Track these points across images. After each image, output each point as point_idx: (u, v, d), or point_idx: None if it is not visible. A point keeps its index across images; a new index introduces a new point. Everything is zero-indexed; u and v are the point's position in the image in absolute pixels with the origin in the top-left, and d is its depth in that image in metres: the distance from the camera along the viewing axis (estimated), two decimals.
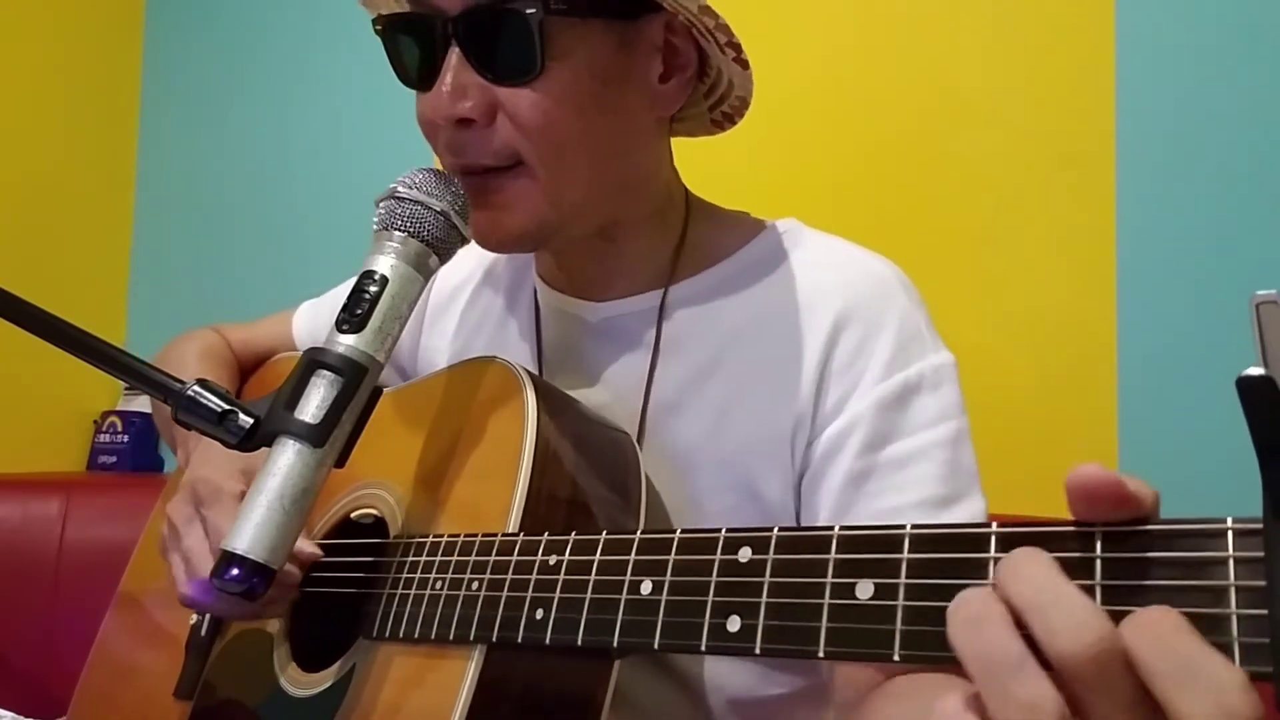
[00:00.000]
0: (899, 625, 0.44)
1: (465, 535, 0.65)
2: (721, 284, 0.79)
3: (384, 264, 0.66)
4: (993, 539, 0.42)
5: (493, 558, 0.62)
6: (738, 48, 0.74)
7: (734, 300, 0.79)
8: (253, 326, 1.06)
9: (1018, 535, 0.42)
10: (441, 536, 0.67)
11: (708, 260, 0.80)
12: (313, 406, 0.61)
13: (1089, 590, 0.39)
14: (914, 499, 0.69)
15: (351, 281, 1.00)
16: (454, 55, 0.69)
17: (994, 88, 1.47)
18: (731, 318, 0.78)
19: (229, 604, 0.72)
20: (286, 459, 0.60)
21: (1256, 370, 0.35)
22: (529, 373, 0.72)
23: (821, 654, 0.46)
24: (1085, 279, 1.39)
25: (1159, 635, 0.34)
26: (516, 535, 0.62)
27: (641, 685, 0.73)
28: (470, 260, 0.94)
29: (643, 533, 0.56)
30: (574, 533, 0.59)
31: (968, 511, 0.70)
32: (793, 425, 0.73)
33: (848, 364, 0.73)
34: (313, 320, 1.03)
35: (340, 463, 0.63)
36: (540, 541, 0.60)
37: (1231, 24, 1.34)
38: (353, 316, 0.64)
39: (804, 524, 0.73)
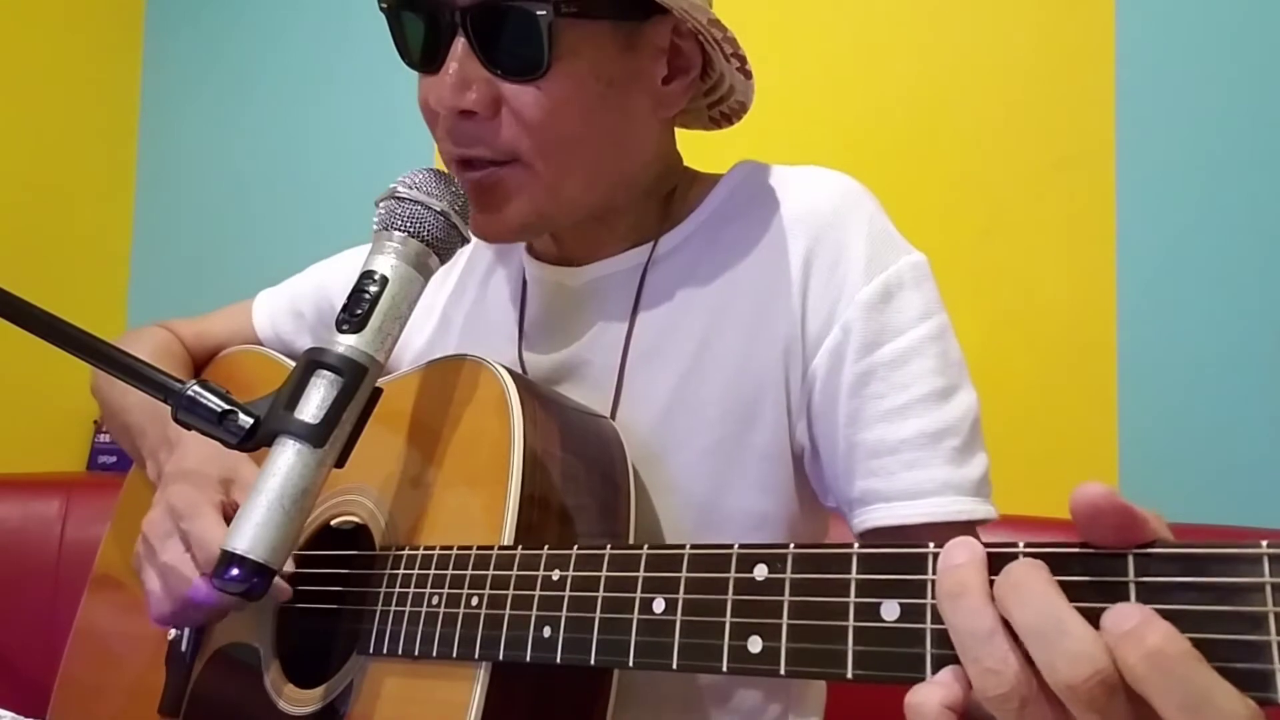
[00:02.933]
0: (929, 649, 0.43)
1: (459, 548, 0.63)
2: (696, 231, 0.80)
3: (384, 264, 0.66)
4: (1021, 559, 0.41)
5: (491, 572, 0.61)
6: (743, 59, 0.74)
7: (708, 241, 0.79)
8: (206, 320, 1.04)
9: (1047, 556, 0.41)
10: (434, 549, 0.65)
11: (684, 213, 0.81)
12: (313, 406, 0.61)
13: None
14: (918, 394, 0.71)
15: (309, 270, 1.01)
16: (460, 45, 0.69)
17: (994, 88, 1.47)
18: (707, 258, 0.79)
19: (206, 615, 0.72)
20: (287, 459, 0.60)
21: None
22: (507, 369, 0.71)
23: (850, 676, 0.45)
24: (1085, 279, 1.39)
25: (1167, 665, 0.35)
26: (515, 549, 0.61)
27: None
28: None
29: (650, 547, 0.54)
30: (575, 546, 0.58)
31: (965, 401, 0.72)
32: (783, 350, 0.74)
33: (828, 276, 0.74)
34: (273, 310, 1.01)
35: (340, 463, 0.63)
36: (541, 556, 0.59)
37: (1231, 24, 1.34)
38: (353, 316, 0.64)
39: (822, 442, 0.74)
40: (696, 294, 0.78)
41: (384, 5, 0.73)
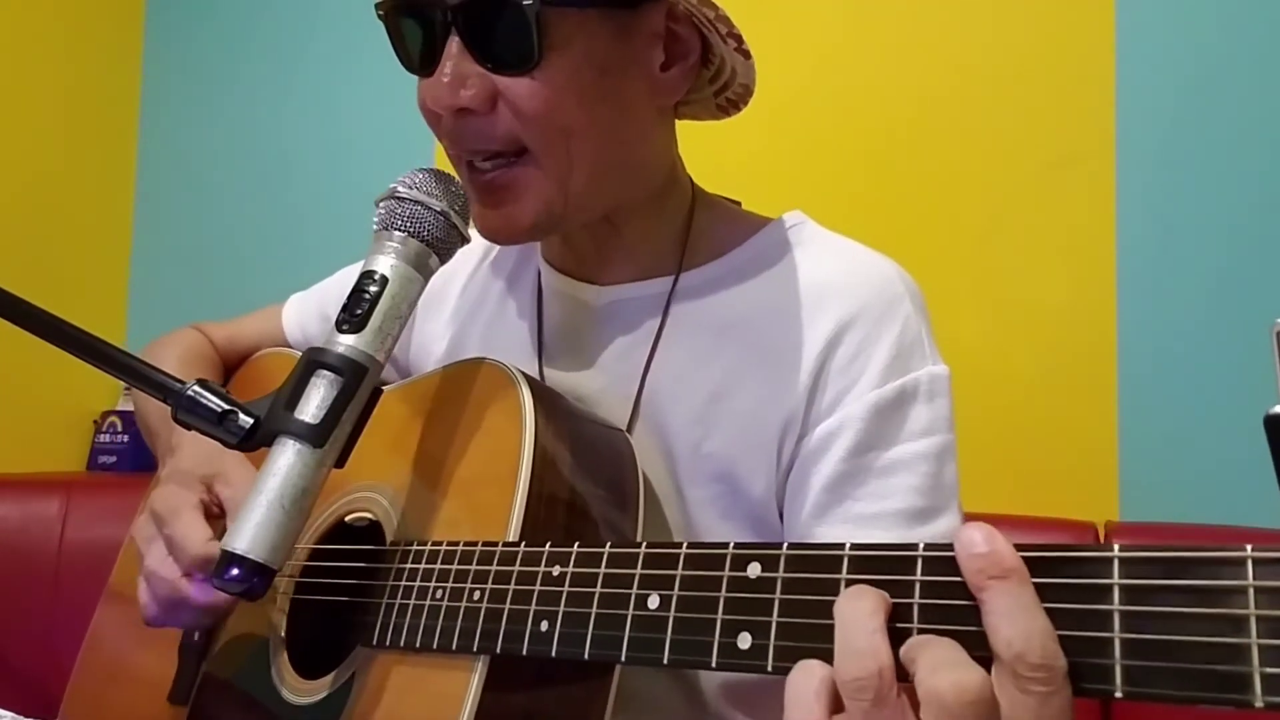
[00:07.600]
0: None
1: (465, 544, 0.64)
2: (726, 275, 0.79)
3: (384, 264, 0.66)
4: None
5: (494, 567, 0.62)
6: (739, 38, 0.74)
7: (737, 292, 0.79)
8: (238, 323, 1.05)
9: (1035, 560, 0.41)
10: (441, 544, 0.66)
11: (714, 252, 0.80)
12: (313, 406, 0.61)
13: (1107, 616, 0.39)
14: (893, 508, 0.69)
15: (338, 274, 1.02)
16: (454, 44, 0.69)
17: (994, 87, 1.47)
18: (733, 310, 0.78)
19: (195, 617, 0.72)
20: (286, 459, 0.60)
21: None
22: (523, 374, 0.72)
23: None
24: (1085, 279, 1.39)
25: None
26: (518, 545, 0.61)
27: (638, 674, 0.73)
28: (468, 246, 0.94)
29: (648, 545, 0.55)
30: (577, 543, 0.58)
31: (943, 527, 0.70)
32: (783, 422, 0.73)
33: (846, 365, 0.73)
34: (301, 313, 1.02)
35: (340, 463, 0.63)
36: (543, 552, 0.60)
37: (1231, 24, 1.34)
38: (352, 316, 0.64)
39: (786, 519, 0.74)
40: (717, 344, 0.77)
41: (380, 11, 0.74)
